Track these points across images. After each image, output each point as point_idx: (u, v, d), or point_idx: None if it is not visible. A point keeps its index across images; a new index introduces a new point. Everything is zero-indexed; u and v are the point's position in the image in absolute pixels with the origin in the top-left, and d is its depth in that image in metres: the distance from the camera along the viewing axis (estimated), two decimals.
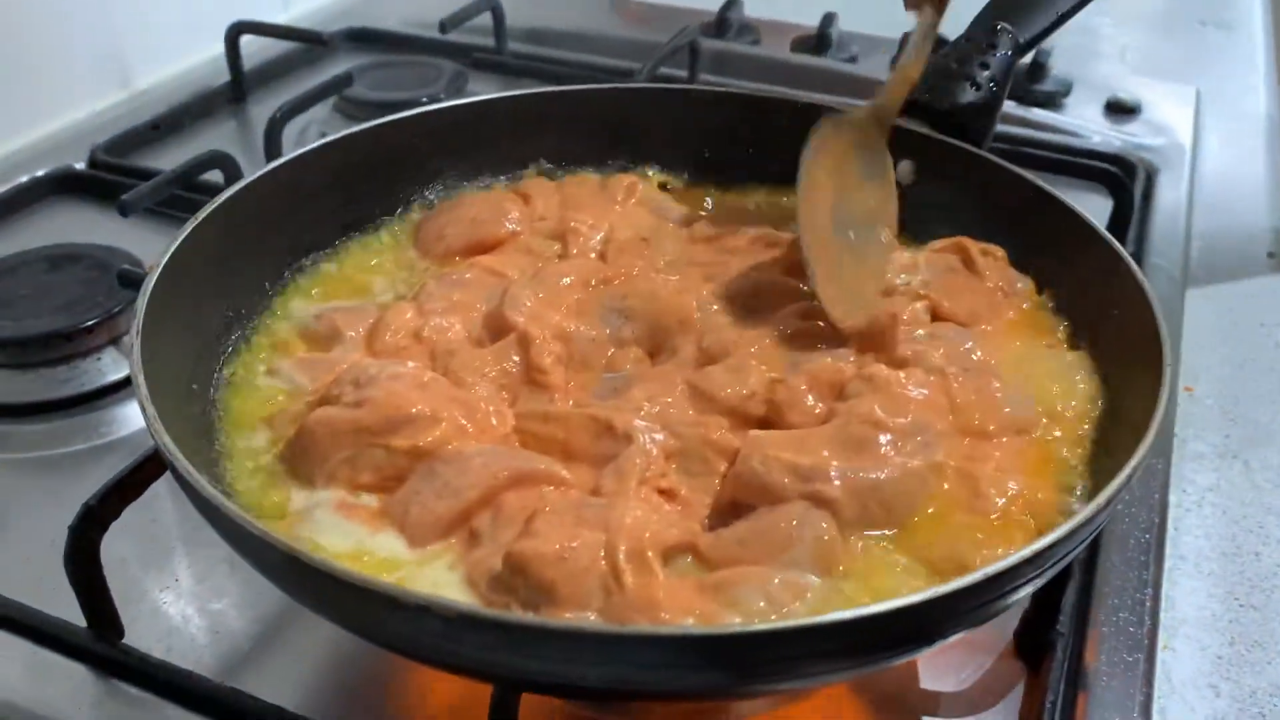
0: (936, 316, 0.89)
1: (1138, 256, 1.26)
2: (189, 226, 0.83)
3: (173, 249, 0.81)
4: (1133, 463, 0.65)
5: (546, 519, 0.67)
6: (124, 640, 0.81)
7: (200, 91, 1.59)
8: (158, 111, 1.52)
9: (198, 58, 1.69)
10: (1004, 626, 0.83)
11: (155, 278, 0.78)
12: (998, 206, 0.98)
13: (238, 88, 1.61)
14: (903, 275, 0.92)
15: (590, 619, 0.63)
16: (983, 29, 1.03)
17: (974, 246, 0.95)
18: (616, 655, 0.56)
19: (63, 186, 1.40)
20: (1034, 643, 0.81)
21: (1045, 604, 0.81)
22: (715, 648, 0.56)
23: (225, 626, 0.84)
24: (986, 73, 1.01)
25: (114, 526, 0.79)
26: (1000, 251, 0.96)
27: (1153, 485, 0.97)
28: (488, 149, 1.09)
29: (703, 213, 1.08)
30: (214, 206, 0.86)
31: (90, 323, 1.10)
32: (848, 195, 0.94)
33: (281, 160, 0.94)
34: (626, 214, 1.04)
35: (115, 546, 0.80)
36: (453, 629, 0.55)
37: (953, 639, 0.63)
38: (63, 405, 1.05)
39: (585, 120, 1.11)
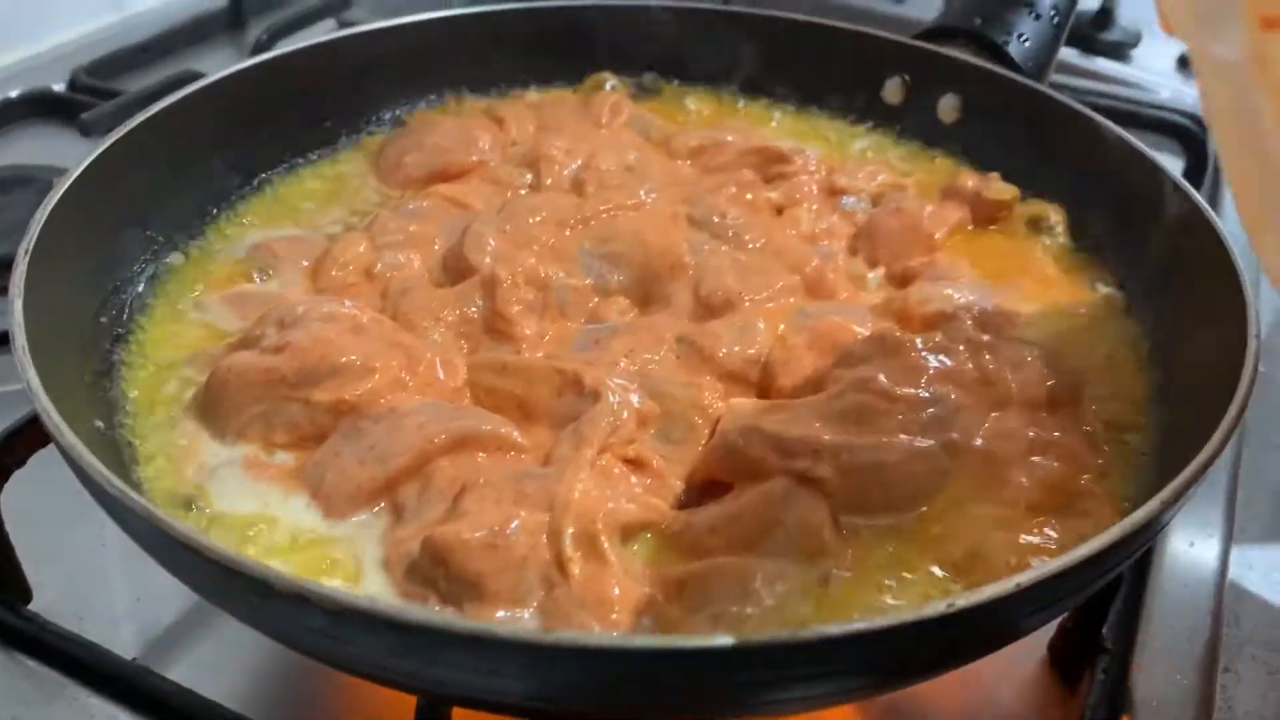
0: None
1: None
2: (114, 136, 0.74)
3: (88, 161, 0.71)
4: (1215, 439, 0.55)
5: (479, 495, 0.56)
6: (29, 606, 0.71)
7: (196, 15, 1.49)
8: (151, 35, 1.43)
9: None
10: (1037, 637, 0.72)
11: (63, 190, 0.68)
12: (1055, 147, 0.87)
13: (236, 12, 1.51)
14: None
15: (525, 617, 0.52)
16: None
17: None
18: (545, 669, 0.45)
19: (38, 108, 1.30)
20: (1072, 657, 0.71)
21: (1087, 614, 0.71)
22: (673, 664, 0.45)
23: (152, 596, 0.74)
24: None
25: (30, 477, 0.70)
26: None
27: (1215, 477, 0.84)
28: (457, 68, 1.00)
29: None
30: (145, 117, 0.77)
31: None
32: None
33: (229, 71, 0.84)
34: (613, 137, 0.93)
35: (29, 498, 0.71)
36: (339, 626, 0.45)
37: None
38: None
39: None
